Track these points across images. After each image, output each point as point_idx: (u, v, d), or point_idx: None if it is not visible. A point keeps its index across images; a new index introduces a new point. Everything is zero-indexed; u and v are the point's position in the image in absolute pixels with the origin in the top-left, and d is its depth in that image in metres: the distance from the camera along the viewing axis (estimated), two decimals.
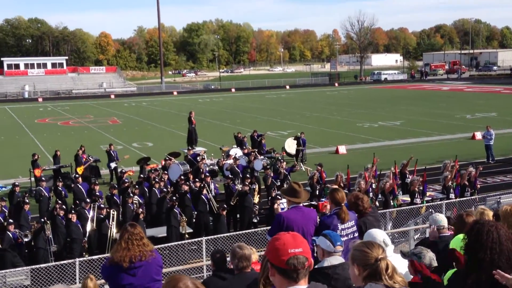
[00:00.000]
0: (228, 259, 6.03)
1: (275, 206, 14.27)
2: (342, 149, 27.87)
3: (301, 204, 6.64)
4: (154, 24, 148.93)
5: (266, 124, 38.48)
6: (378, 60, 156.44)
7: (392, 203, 15.45)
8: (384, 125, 38.25)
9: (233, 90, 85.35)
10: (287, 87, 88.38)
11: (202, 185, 15.58)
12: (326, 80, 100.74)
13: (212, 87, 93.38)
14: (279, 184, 17.58)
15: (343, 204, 6.43)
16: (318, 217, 6.80)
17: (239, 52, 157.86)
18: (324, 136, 33.53)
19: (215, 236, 12.90)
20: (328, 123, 39.73)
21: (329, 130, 36.36)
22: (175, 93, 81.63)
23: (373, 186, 16.24)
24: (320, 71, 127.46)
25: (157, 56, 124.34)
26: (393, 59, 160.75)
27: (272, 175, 17.69)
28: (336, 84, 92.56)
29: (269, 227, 7.16)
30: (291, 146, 25.19)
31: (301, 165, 23.76)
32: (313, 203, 15.98)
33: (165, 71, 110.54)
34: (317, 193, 16.96)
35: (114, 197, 15.46)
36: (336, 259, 4.61)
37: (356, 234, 6.42)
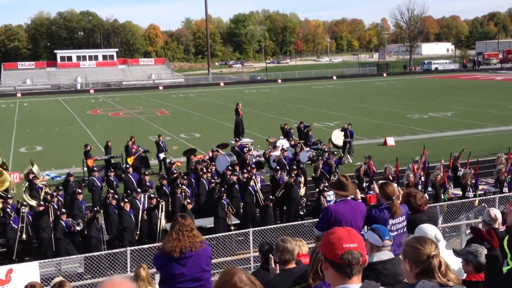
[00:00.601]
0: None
1: (321, 199, 14.21)
2: (391, 141, 27.40)
3: (349, 197, 6.59)
4: (201, 16, 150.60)
5: (313, 115, 38.24)
6: (429, 49, 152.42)
7: (442, 197, 15.10)
8: (435, 116, 37.33)
9: (279, 81, 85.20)
10: (334, 77, 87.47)
11: (249, 176, 15.66)
12: (374, 70, 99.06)
13: (259, 78, 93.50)
14: (329, 176, 17.48)
15: (394, 197, 6.35)
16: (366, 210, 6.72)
17: (286, 43, 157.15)
18: (372, 127, 33.04)
19: (262, 228, 12.97)
20: (376, 114, 39.10)
21: (377, 121, 35.80)
22: (222, 84, 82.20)
23: (422, 179, 15.90)
24: (368, 61, 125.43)
25: (204, 48, 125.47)
26: (444, 48, 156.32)
27: (321, 166, 17.60)
28: (385, 74, 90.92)
29: (317, 220, 7.14)
30: (338, 137, 24.96)
31: (348, 157, 23.52)
32: (361, 195, 15.78)
33: (212, 62, 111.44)
34: (365, 185, 16.76)
35: (164, 188, 15.76)
36: (386, 254, 4.55)
37: (406, 229, 6.33)
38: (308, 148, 22.26)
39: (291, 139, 23.33)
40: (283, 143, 22.35)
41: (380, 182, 7.01)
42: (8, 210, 13.58)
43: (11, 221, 13.20)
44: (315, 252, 2.97)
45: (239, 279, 2.75)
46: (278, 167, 17.29)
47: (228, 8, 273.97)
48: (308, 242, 9.58)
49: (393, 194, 6.34)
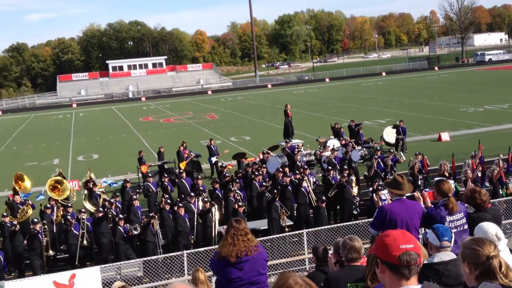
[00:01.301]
0: (330, 252, 6.04)
1: (375, 198, 13.97)
2: (445, 136, 26.70)
3: (405, 197, 6.48)
4: (246, 19, 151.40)
5: (363, 113, 37.75)
6: (481, 40, 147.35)
7: (501, 192, 14.59)
8: (491, 109, 36.10)
9: (327, 80, 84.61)
10: (383, 73, 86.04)
11: (301, 177, 15.63)
12: (424, 64, 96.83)
13: (306, 78, 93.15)
14: (383, 175, 17.21)
15: (450, 194, 6.21)
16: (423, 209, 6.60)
17: (332, 41, 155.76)
18: (425, 123, 32.28)
19: (316, 229, 12.92)
20: (429, 109, 38.18)
21: (430, 116, 34.94)
22: (269, 86, 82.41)
23: (479, 174, 15.42)
24: (418, 55, 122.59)
25: (250, 50, 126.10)
26: (498, 38, 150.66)
27: (376, 165, 17.32)
28: (436, 68, 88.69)
29: (371, 219, 7.06)
30: (390, 135, 24.54)
31: (401, 154, 23.08)
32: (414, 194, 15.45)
33: (259, 65, 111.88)
34: (420, 183, 16.39)
35: (216, 191, 15.95)
36: (447, 255, 4.45)
37: (466, 226, 6.17)
38: (359, 147, 21.99)
39: (341, 138, 23.12)
40: (333, 142, 22.18)
41: (435, 179, 6.87)
42: (69, 217, 14.09)
43: (72, 228, 13.68)
44: (371, 254, 2.94)
45: (294, 281, 2.77)
46: (329, 167, 17.17)
47: (273, 10, 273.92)
48: (363, 242, 9.48)
49: (449, 191, 6.21)
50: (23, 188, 17.18)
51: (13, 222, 14.12)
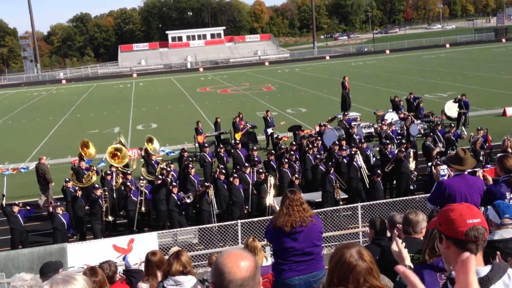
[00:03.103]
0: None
1: (434, 172, 13.61)
2: (511, 111, 25.52)
3: (466, 172, 6.27)
4: None
5: (424, 87, 36.60)
6: None
7: None
8: None
9: (387, 51, 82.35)
10: (447, 45, 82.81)
11: (354, 151, 15.41)
12: (491, 36, 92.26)
13: (365, 49, 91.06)
14: (444, 150, 16.74)
15: None
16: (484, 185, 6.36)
17: (394, 11, 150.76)
18: (489, 97, 30.94)
19: (371, 203, 12.76)
20: (494, 83, 36.52)
21: (495, 90, 33.44)
22: (327, 57, 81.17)
23: None
24: (485, 26, 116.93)
25: (309, 21, 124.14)
26: None
27: (431, 144, 16.81)
28: (504, 40, 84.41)
29: (429, 195, 6.89)
30: (451, 109, 23.71)
31: (463, 129, 22.28)
32: (476, 169, 14.93)
33: (317, 36, 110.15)
34: (482, 159, 15.80)
35: (271, 163, 15.99)
36: (509, 232, 4.29)
37: None
38: (419, 121, 21.39)
39: (400, 111, 22.54)
40: (391, 116, 21.67)
41: (498, 155, 6.59)
42: (129, 184, 14.54)
43: (131, 195, 14.13)
44: (430, 229, 2.84)
45: (349, 253, 2.74)
46: (387, 141, 16.82)
47: None
48: None
49: None
50: (88, 154, 17.83)
51: (75, 188, 14.74)
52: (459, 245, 2.63)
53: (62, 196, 15.47)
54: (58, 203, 13.58)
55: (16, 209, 13.18)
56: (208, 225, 12.78)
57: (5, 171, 22.41)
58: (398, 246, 3.21)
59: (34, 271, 5.15)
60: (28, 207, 13.75)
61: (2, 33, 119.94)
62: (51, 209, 13.23)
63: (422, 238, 4.78)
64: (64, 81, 76.22)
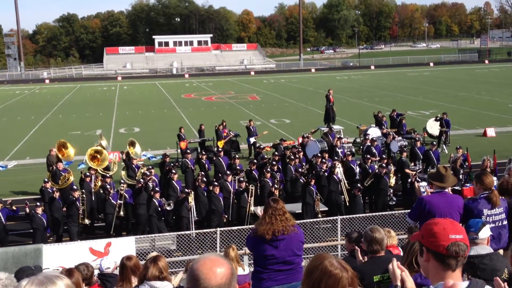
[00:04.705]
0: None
1: (416, 187, 13.72)
2: (491, 132, 25.91)
3: (446, 190, 6.33)
4: (294, 1, 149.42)
5: (407, 103, 36.99)
6: None
7: None
8: None
9: (372, 67, 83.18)
10: (431, 64, 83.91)
11: (334, 164, 15.47)
12: (475, 57, 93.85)
13: (351, 64, 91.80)
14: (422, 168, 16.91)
15: (493, 188, 6.05)
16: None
17: (380, 28, 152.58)
18: (470, 117, 31.40)
19: (350, 216, 12.81)
20: (476, 103, 37.09)
21: (476, 111, 33.95)
22: (313, 70, 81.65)
23: None
24: (469, 47, 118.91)
25: (296, 33, 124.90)
26: None
27: (406, 160, 16.96)
28: (486, 61, 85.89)
29: (408, 211, 6.95)
30: (433, 127, 23.99)
31: (444, 147, 22.55)
32: (456, 188, 15.11)
33: (304, 48, 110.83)
34: (461, 177, 16.00)
35: (253, 172, 15.97)
36: (483, 249, 4.35)
37: (505, 222, 6.02)
38: (400, 138, 21.60)
39: (383, 127, 22.74)
40: (374, 131, 21.84)
41: (476, 173, 6.69)
42: (108, 186, 14.40)
43: (110, 197, 13.99)
44: (410, 243, 2.85)
45: (330, 263, 2.72)
46: (368, 156, 16.94)
47: None
48: (397, 233, 9.33)
49: (491, 185, 6.05)
50: (66, 155, 17.63)
51: (53, 189, 14.55)
52: (440, 259, 2.65)
53: (40, 196, 15.24)
54: (37, 203, 13.35)
55: None
56: (187, 232, 12.71)
57: None
58: (399, 267, 3.13)
59: (8, 271, 5.03)
60: (14, 208, 13.50)
61: None
62: (27, 209, 13.02)
63: (385, 257, 4.79)
64: (47, 81, 75.38)
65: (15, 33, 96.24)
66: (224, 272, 2.32)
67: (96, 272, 7.04)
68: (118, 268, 6.37)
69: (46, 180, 15.20)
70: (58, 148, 17.48)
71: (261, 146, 19.77)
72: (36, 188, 16.80)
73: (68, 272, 5.38)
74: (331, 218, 13.18)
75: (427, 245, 2.70)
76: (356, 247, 5.38)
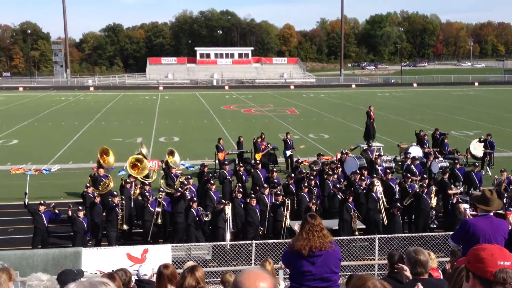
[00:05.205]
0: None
1: (461, 209, 13.39)
2: None
3: (491, 214, 6.16)
4: (337, 16, 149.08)
5: (450, 123, 36.27)
6: None
7: None
8: None
9: (415, 84, 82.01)
10: (476, 83, 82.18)
11: (373, 182, 15.24)
12: None
13: (393, 81, 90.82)
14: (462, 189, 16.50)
15: None
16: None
17: (424, 45, 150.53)
18: None
19: (389, 236, 12.57)
20: None
21: None
22: (353, 85, 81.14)
23: None
24: None
25: (337, 48, 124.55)
26: None
27: (447, 180, 16.58)
28: None
29: (452, 233, 6.77)
30: (477, 148, 23.41)
31: (488, 169, 21.96)
32: (500, 212, 14.65)
33: (345, 63, 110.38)
34: (505, 201, 15.51)
35: (291, 186, 15.91)
36: None
37: None
38: (441, 158, 21.14)
39: (425, 146, 22.32)
40: (415, 150, 21.46)
41: None
42: (147, 194, 14.59)
43: (148, 205, 14.17)
44: (458, 269, 2.77)
45: (373, 285, 2.67)
46: (408, 175, 16.64)
47: (365, 9, 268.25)
48: (437, 255, 9.10)
49: None
50: (107, 162, 17.98)
51: (95, 194, 14.84)
52: (486, 285, 2.58)
53: (81, 200, 15.57)
54: (80, 207, 13.64)
55: (42, 208, 13.26)
56: (222, 243, 12.72)
57: (28, 171, 22.69)
58: None
59: (48, 272, 5.15)
60: (57, 211, 13.80)
61: (35, 36, 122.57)
62: (70, 212, 13.31)
63: (433, 280, 4.66)
64: (92, 88, 77.39)
65: (63, 41, 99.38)
66: (267, 286, 2.31)
67: (133, 278, 7.11)
68: (155, 275, 6.43)
69: (88, 185, 15.53)
70: (100, 154, 17.85)
71: (299, 160, 19.68)
72: (78, 192, 17.18)
73: (110, 277, 5.44)
74: (368, 236, 12.96)
75: (474, 270, 2.63)
76: (405, 266, 5.26)
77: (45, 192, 18.81)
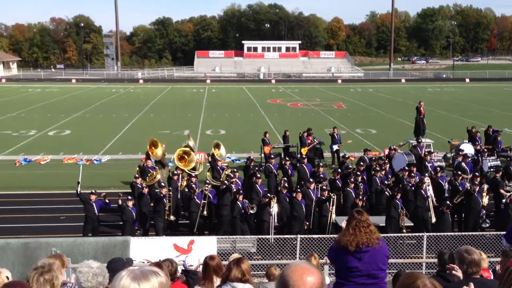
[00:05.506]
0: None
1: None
2: None
3: None
4: (387, 9, 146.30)
5: (504, 119, 35.04)
6: None
7: None
8: None
9: (467, 80, 79.60)
10: None
11: (423, 179, 14.89)
12: None
13: (444, 76, 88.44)
14: None
15: None
16: None
17: (477, 40, 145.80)
18: None
19: (438, 234, 12.28)
20: None
21: None
22: (403, 80, 79.52)
23: None
24: None
25: (387, 42, 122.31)
26: None
27: (500, 179, 16.01)
28: None
29: (505, 232, 6.55)
30: None
31: None
32: None
33: (394, 58, 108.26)
34: None
35: (337, 181, 15.76)
36: None
37: None
38: (494, 157, 20.42)
39: (477, 143, 21.63)
40: (467, 147, 20.82)
41: None
42: (193, 186, 14.77)
43: (195, 197, 14.35)
44: (508, 269, 2.66)
45: (423, 284, 2.61)
46: (458, 172, 16.18)
47: (416, 2, 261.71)
48: (487, 255, 8.81)
49: None
50: (155, 154, 18.30)
51: (143, 184, 15.15)
52: None
53: (130, 191, 15.93)
54: (129, 197, 13.94)
55: (93, 197, 13.64)
56: (267, 236, 12.75)
57: (79, 161, 23.40)
58: None
59: (97, 259, 5.29)
60: (107, 201, 14.16)
61: (88, 30, 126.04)
62: (120, 201, 13.63)
63: (486, 280, 4.53)
64: (141, 81, 78.96)
65: (114, 34, 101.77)
66: (314, 281, 2.29)
67: (180, 268, 7.22)
68: (201, 266, 6.51)
69: (137, 176, 15.86)
70: (149, 146, 18.19)
71: (346, 155, 19.45)
72: (127, 182, 17.57)
73: (159, 266, 5.54)
74: (416, 234, 12.70)
75: None
76: (452, 264, 5.13)
77: (96, 182, 19.34)
